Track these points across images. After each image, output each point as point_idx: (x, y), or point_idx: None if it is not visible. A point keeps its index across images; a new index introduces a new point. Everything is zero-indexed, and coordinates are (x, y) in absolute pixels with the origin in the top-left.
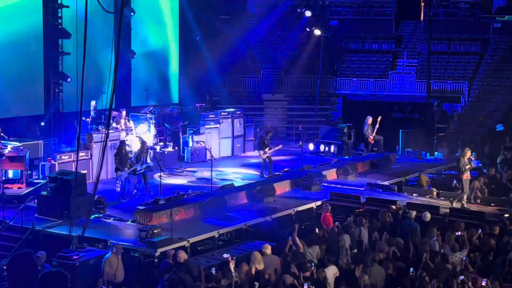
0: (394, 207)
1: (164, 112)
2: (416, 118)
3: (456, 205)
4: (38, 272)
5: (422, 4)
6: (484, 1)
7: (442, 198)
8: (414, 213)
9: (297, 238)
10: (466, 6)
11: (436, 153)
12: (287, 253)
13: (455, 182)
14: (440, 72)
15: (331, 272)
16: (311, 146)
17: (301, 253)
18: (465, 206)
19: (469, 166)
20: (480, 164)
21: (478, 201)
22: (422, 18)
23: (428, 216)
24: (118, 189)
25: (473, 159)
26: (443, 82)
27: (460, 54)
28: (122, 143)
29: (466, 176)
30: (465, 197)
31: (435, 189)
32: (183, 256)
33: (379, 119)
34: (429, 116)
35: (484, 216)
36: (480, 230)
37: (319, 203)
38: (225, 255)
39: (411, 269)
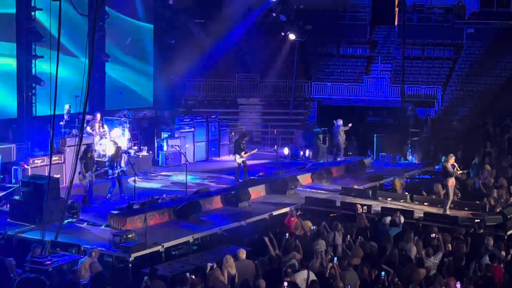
0: (359, 206)
1: (138, 116)
2: (390, 122)
3: (439, 211)
4: (10, 279)
5: (396, 9)
6: (457, 6)
7: (416, 203)
8: (388, 218)
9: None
10: (440, 12)
11: (410, 157)
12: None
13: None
14: (414, 77)
15: (302, 277)
16: (286, 151)
17: (276, 257)
18: (448, 212)
19: (452, 170)
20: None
21: (452, 205)
22: (396, 23)
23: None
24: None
25: (456, 165)
26: (417, 87)
27: (433, 59)
28: (89, 147)
29: (451, 182)
30: (449, 203)
31: (408, 194)
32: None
33: (350, 125)
34: (403, 121)
35: (458, 220)
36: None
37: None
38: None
39: (383, 273)
